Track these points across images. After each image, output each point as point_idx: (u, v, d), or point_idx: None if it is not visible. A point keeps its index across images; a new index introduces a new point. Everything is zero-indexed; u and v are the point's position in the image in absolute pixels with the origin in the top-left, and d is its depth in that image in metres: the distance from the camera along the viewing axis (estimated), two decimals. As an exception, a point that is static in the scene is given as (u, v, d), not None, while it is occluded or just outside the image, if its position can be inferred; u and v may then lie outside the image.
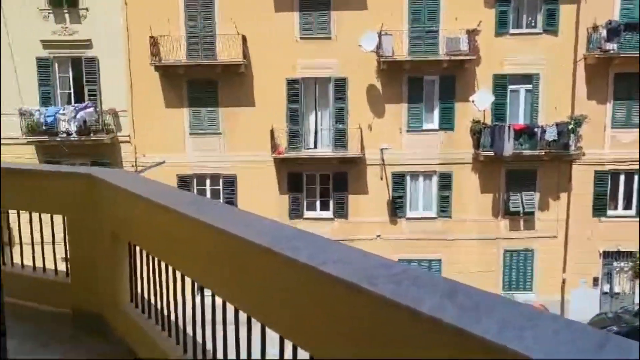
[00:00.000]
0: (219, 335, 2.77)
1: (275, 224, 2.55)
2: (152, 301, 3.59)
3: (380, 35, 19.37)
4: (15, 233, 4.81)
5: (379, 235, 20.82)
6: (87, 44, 20.02)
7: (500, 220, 20.91)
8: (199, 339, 3.04)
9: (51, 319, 4.53)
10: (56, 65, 20.17)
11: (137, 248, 3.69)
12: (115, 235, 3.95)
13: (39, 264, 4.78)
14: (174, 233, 3.08)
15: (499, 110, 20.16)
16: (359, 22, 19.47)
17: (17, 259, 5.00)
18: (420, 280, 1.71)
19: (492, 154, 19.73)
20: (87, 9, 19.84)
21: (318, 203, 21.05)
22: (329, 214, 20.97)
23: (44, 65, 19.95)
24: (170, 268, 3.20)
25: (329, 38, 20.06)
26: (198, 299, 3.03)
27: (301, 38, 20.10)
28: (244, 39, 19.74)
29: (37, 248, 4.64)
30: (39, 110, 19.52)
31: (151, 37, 19.43)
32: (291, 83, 20.20)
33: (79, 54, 20.16)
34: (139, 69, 19.89)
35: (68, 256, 4.44)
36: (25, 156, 19.62)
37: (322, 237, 2.31)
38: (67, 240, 4.44)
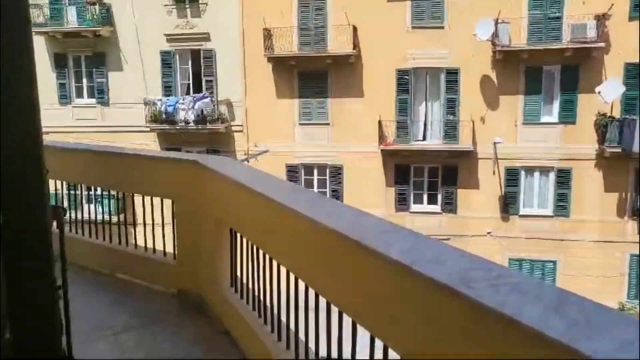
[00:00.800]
0: (311, 325, 2.79)
1: (370, 218, 2.46)
2: (250, 287, 3.66)
3: (496, 23, 18.44)
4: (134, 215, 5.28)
5: (489, 232, 19.95)
6: (205, 37, 21.00)
7: (627, 222, 19.19)
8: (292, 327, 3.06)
9: (159, 297, 4.73)
10: (177, 57, 21.39)
11: (238, 235, 3.76)
12: (218, 221, 4.05)
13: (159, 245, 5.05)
14: (271, 222, 3.12)
15: (629, 103, 18.45)
16: (473, 11, 18.67)
17: (140, 240, 5.24)
18: (522, 287, 1.53)
19: (620, 150, 18.13)
20: (206, 4, 20.79)
21: (425, 196, 20.57)
22: (436, 208, 20.42)
23: (166, 58, 21.23)
24: (267, 256, 3.23)
25: (442, 27, 19.43)
26: (292, 288, 2.99)
27: (413, 28, 19.66)
28: (355, 29, 19.69)
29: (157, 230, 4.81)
30: (160, 100, 20.83)
31: (265, 29, 19.97)
32: (401, 73, 19.85)
33: (198, 47, 21.21)
34: (253, 61, 20.55)
35: (175, 239, 4.63)
36: (149, 144, 21.08)
37: (418, 234, 2.17)
38: (174, 224, 4.61)
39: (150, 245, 5.01)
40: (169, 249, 4.82)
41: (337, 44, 19.88)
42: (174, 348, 3.93)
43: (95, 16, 20.69)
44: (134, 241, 5.32)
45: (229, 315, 3.96)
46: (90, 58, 21.37)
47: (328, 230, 2.36)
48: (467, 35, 18.63)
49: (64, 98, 21.50)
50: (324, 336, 2.65)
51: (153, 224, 4.77)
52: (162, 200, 4.80)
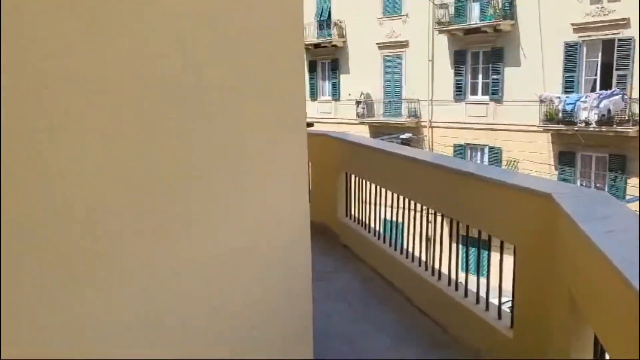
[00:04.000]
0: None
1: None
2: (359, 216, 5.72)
3: None
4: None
5: None
6: (623, 24, 17.78)
7: None
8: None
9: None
10: (584, 49, 18.80)
11: (352, 177, 5.81)
12: (337, 169, 6.03)
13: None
14: (378, 163, 5.27)
15: None
16: None
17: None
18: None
19: None
20: (629, -15, 17.54)
21: None
22: None
23: (570, 50, 18.91)
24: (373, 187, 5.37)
25: None
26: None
27: None
28: None
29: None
30: (559, 97, 18.71)
31: None
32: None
33: (612, 36, 18.15)
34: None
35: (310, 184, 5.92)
36: (542, 145, 19.33)
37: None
38: (310, 177, 5.88)
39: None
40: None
41: None
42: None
43: (497, 10, 19.98)
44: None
45: (345, 234, 5.94)
46: (487, 54, 20.83)
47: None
48: None
49: (459, 94, 21.62)
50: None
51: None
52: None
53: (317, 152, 5.99)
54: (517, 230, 3.30)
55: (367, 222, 5.57)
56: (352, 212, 5.90)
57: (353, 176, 5.79)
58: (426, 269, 4.55)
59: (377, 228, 5.43)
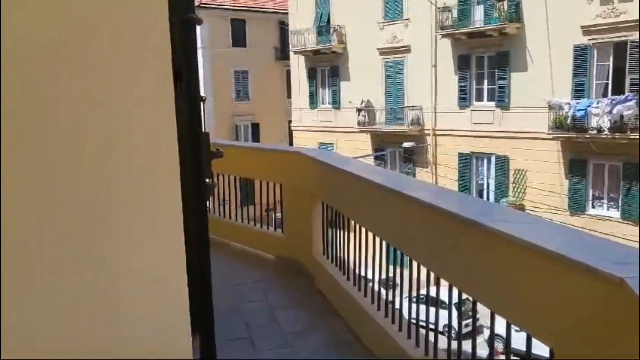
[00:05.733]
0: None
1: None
2: (340, 255, 4.62)
3: None
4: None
5: None
6: (636, 25, 16.88)
7: None
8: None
9: (270, 262, 5.66)
10: (594, 52, 17.90)
11: (329, 207, 4.72)
12: (313, 197, 4.98)
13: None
14: (358, 194, 4.07)
15: None
16: None
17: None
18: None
19: None
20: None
21: None
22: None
23: (580, 54, 18.02)
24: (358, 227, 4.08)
25: None
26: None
27: None
28: None
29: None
30: (569, 103, 17.81)
31: None
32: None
33: (624, 38, 17.27)
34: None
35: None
36: (551, 153, 18.43)
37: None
38: (282, 203, 5.58)
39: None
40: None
41: None
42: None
43: (503, 13, 19.13)
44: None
45: (321, 276, 4.90)
46: (493, 58, 19.95)
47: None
48: None
49: (464, 101, 20.74)
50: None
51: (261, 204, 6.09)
52: (274, 184, 5.76)
53: (290, 173, 5.31)
54: (559, 327, 2.18)
55: (348, 265, 4.48)
56: (331, 250, 4.83)
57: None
58: (417, 345, 3.37)
59: (361, 272, 4.25)
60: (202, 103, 2.70)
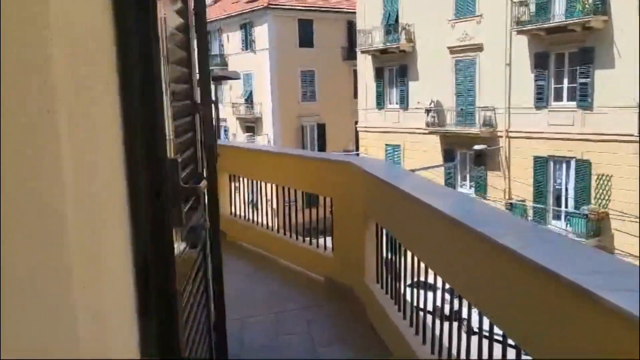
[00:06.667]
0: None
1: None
2: (394, 283, 3.87)
3: None
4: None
5: None
6: None
7: None
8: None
9: (318, 285, 5.02)
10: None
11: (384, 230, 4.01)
12: (366, 216, 4.30)
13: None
14: (413, 220, 3.30)
15: None
16: None
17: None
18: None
19: None
20: None
21: None
22: None
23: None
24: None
25: None
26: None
27: None
28: None
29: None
30: (661, 103, 16.13)
31: None
32: None
33: None
34: None
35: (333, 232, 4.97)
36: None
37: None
38: (332, 219, 4.97)
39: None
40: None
41: None
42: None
43: (587, 5, 17.62)
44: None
45: (372, 307, 4.16)
46: (574, 55, 18.42)
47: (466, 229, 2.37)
48: None
49: (540, 101, 19.34)
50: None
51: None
52: (324, 198, 5.18)
53: (341, 186, 4.74)
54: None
55: (405, 299, 3.77)
56: (386, 278, 4.06)
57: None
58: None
59: (419, 303, 3.55)
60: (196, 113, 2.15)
